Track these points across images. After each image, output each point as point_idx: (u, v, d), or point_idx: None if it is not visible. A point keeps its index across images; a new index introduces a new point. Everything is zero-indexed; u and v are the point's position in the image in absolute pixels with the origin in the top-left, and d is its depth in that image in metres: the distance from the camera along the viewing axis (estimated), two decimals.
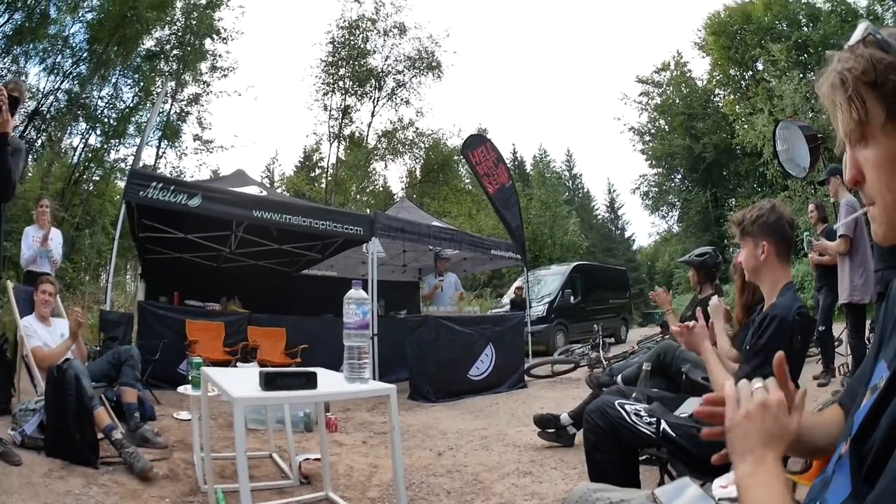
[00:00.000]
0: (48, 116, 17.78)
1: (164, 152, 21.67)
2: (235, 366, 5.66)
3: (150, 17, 18.32)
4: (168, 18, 19.75)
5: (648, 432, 2.05)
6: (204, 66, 21.88)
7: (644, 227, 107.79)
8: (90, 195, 18.71)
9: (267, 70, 72.73)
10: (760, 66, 27.53)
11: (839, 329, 6.36)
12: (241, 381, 2.32)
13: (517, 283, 13.17)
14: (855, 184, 0.78)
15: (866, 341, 5.24)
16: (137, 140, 18.89)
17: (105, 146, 19.52)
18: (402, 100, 26.36)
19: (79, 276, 15.51)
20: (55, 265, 6.13)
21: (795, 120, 13.05)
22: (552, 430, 4.06)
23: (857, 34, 0.76)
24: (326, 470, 3.04)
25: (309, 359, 6.52)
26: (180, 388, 3.55)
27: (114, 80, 19.37)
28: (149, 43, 19.93)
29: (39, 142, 17.96)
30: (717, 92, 32.96)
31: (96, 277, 16.63)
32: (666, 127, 35.35)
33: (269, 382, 2.04)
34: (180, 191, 6.17)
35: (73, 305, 4.75)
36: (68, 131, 18.62)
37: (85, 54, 18.08)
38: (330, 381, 2.29)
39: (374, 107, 26.36)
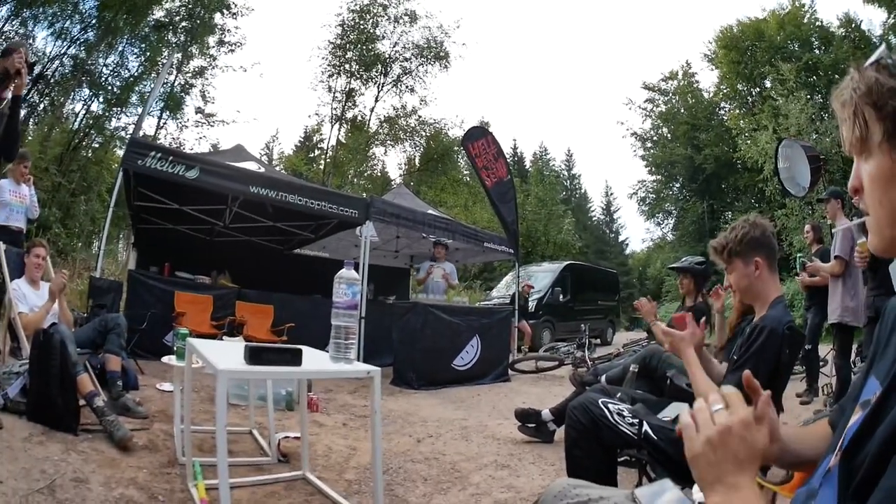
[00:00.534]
0: (52, 81, 17.59)
1: (165, 123, 21.56)
2: (221, 339, 5.64)
3: None
4: None
5: (630, 433, 2.05)
6: (212, 40, 21.74)
7: (638, 233, 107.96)
8: (88, 162, 18.54)
9: (274, 48, 72.39)
10: (768, 84, 27.41)
11: (825, 350, 6.41)
12: (226, 353, 2.31)
13: (527, 281, 13.08)
14: (855, 192, 0.82)
15: (852, 364, 5.29)
16: (139, 109, 18.82)
17: (107, 114, 19.40)
18: (406, 87, 26.27)
19: (72, 243, 15.39)
20: (34, 214, 6.16)
21: (799, 139, 13.07)
22: (532, 425, 4.07)
23: (872, 57, 0.81)
24: (305, 449, 3.03)
25: (295, 338, 6.48)
26: (164, 359, 3.54)
27: (120, 49, 19.20)
28: (159, 13, 19.77)
29: (42, 106, 17.81)
30: (722, 105, 32.93)
31: (89, 245, 16.48)
32: (668, 135, 35.33)
33: (253, 356, 2.03)
34: (178, 162, 6.13)
35: (62, 269, 4.71)
36: (71, 97, 18.47)
37: (94, 21, 17.86)
38: (315, 360, 2.28)
39: (379, 92, 26.26)
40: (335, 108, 26.08)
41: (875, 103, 0.75)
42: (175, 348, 3.37)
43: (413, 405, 5.36)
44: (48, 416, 3.09)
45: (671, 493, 1.12)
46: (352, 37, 25.24)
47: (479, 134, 11.03)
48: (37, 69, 15.99)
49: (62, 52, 17.72)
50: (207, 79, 22.07)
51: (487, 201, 12.73)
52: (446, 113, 65.05)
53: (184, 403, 2.80)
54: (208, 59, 21.91)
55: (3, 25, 15.87)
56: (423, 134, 27.15)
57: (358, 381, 5.87)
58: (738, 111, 30.13)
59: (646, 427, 2.05)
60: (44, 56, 16.95)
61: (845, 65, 22.42)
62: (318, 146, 33.39)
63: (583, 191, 52.82)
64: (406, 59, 26.00)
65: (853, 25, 25.97)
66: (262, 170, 7.57)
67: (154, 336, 6.00)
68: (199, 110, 22.21)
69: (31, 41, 16.55)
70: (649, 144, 36.67)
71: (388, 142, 27.25)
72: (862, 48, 23.74)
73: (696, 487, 1.30)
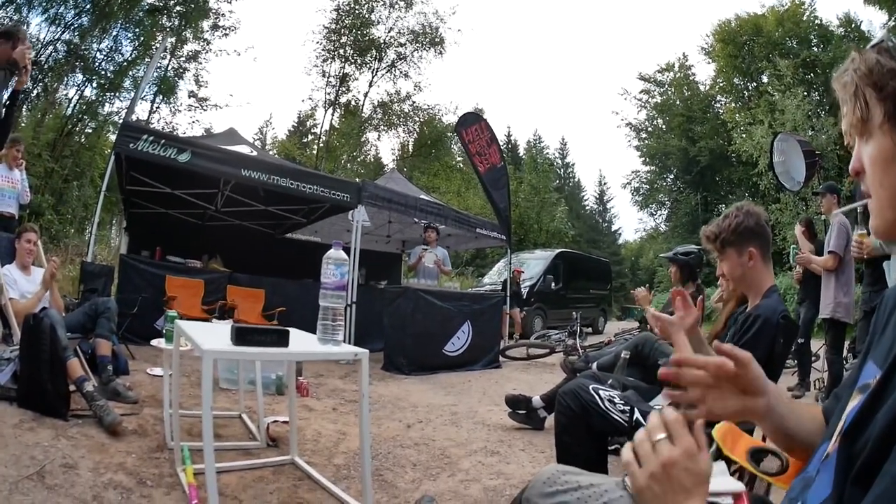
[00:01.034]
0: (46, 67, 17.37)
1: (158, 107, 21.51)
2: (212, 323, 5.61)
3: None
4: None
5: (621, 420, 2.04)
6: (206, 24, 21.61)
7: (631, 223, 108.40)
8: (81, 147, 18.42)
9: (268, 32, 71.66)
10: (765, 79, 27.37)
11: (817, 345, 6.43)
12: (213, 334, 2.28)
13: (517, 267, 13.11)
14: (856, 174, 0.82)
15: (844, 359, 5.32)
16: (132, 94, 18.62)
17: (100, 99, 19.25)
18: (401, 72, 26.22)
19: (64, 229, 15.29)
20: (26, 200, 6.17)
21: (795, 134, 13.10)
22: (523, 412, 4.07)
23: (874, 40, 0.83)
24: (294, 434, 3.01)
25: (286, 322, 6.42)
26: (154, 341, 3.50)
27: (114, 33, 19.07)
28: None
29: (35, 92, 17.59)
30: (718, 98, 32.87)
31: (81, 231, 16.37)
32: (663, 126, 35.29)
33: (240, 337, 2.01)
34: (170, 145, 6.05)
35: (53, 256, 4.67)
36: (65, 82, 18.33)
37: (88, 5, 17.68)
38: (302, 341, 2.26)
39: (373, 77, 26.18)
40: (329, 93, 26.05)
41: (876, 84, 0.76)
42: (164, 331, 3.34)
43: (403, 390, 5.35)
44: (38, 402, 3.06)
45: None
46: (347, 21, 25.11)
47: (473, 120, 10.99)
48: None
49: (56, 37, 17.57)
50: (201, 63, 22.01)
51: (480, 187, 12.72)
52: (440, 99, 64.95)
53: (173, 387, 2.77)
54: (202, 44, 21.81)
55: None
56: (417, 119, 27.15)
57: (348, 366, 5.87)
58: (733, 105, 30.06)
59: (637, 414, 2.04)
60: (38, 42, 16.75)
61: (843, 63, 22.57)
62: (312, 131, 33.28)
63: (576, 179, 52.75)
64: (401, 45, 25.97)
65: (853, 25, 25.91)
66: (255, 153, 7.50)
67: (145, 321, 5.96)
68: (192, 94, 22.15)
69: (26, 27, 16.34)
70: (644, 135, 36.70)
71: (382, 127, 27.21)
72: (862, 48, 23.65)
73: None
